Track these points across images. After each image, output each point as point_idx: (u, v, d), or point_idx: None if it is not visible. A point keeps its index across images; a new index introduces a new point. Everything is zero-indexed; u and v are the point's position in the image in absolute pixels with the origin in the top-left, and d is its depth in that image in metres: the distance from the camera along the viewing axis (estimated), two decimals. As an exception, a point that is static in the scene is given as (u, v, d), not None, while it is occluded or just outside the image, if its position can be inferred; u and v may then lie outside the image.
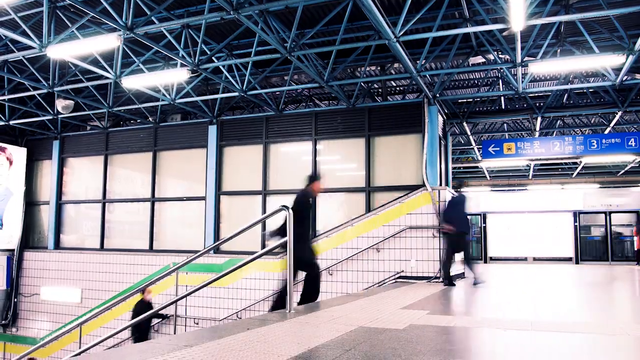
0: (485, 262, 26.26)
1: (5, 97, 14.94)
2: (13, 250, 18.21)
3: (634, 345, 5.21)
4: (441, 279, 11.81)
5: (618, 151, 16.20)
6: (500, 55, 12.45)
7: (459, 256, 13.53)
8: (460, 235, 11.42)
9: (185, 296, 7.79)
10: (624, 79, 12.51)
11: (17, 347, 17.51)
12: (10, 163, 18.29)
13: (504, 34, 11.20)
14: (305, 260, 7.84)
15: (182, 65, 12.19)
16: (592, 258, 26.08)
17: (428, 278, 12.17)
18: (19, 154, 18.66)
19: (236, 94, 13.93)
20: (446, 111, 15.82)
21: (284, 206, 6.64)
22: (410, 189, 12.95)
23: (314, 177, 8.94)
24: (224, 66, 13.08)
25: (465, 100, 16.81)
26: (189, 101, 14.78)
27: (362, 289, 12.46)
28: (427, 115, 13.18)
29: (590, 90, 15.46)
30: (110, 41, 9.97)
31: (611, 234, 26.02)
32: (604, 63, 11.57)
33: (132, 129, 17.47)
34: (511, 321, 6.49)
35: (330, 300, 8.83)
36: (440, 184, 13.43)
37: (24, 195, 18.71)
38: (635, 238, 22.88)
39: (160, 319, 14.48)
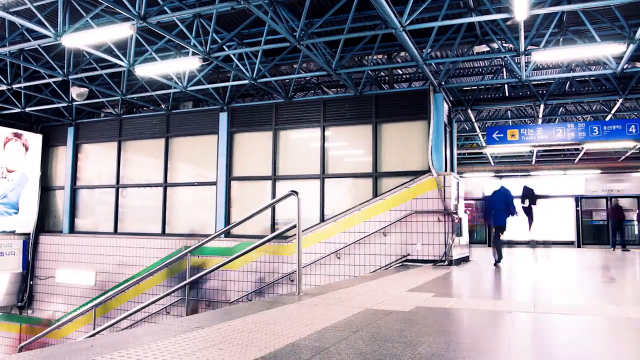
0: (489, 245, 26.44)
1: (22, 85, 15.13)
2: (29, 234, 18.48)
3: (633, 327, 5.32)
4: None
5: (619, 137, 16.31)
6: (504, 44, 12.57)
7: (463, 240, 13.81)
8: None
9: (196, 279, 8.06)
10: (625, 67, 12.61)
11: (32, 328, 17.80)
12: (26, 149, 18.54)
13: (508, 23, 11.34)
14: None
15: (193, 53, 12.36)
16: (594, 242, 26.23)
17: (434, 261, 12.40)
18: (34, 140, 18.90)
19: (246, 81, 14.09)
20: (451, 98, 15.94)
21: (293, 191, 6.86)
22: (416, 174, 13.14)
23: None
24: (234, 55, 13.23)
25: (470, 88, 16.94)
26: (200, 89, 14.96)
27: (369, 272, 12.63)
28: (432, 102, 13.32)
29: (592, 78, 15.53)
30: (123, 30, 10.12)
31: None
32: (605, 52, 11.68)
33: (145, 115, 17.67)
34: (515, 303, 6.61)
35: (339, 283, 9.04)
36: (446, 170, 13.59)
37: (39, 180, 18.94)
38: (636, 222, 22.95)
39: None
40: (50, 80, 14.91)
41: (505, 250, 13.68)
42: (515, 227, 27.32)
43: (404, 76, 16.34)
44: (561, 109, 19.50)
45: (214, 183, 15.77)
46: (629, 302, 7.62)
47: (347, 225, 13.35)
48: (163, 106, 17.06)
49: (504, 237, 13.45)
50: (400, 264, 12.58)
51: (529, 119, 20.30)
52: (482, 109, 18.93)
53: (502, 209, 12.98)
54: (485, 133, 19.68)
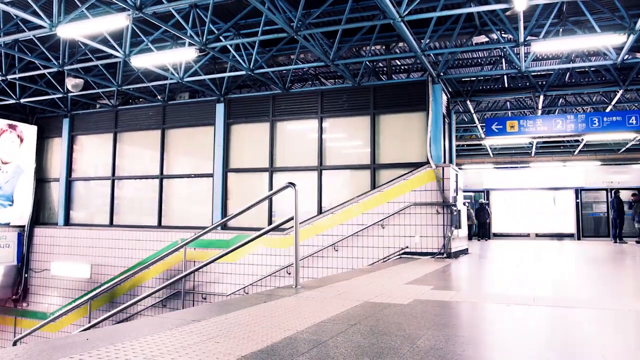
0: (489, 238, 26.47)
1: (16, 76, 15.03)
2: (24, 226, 18.43)
3: (634, 321, 5.31)
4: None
5: (619, 129, 16.29)
6: (503, 35, 12.52)
7: (462, 232, 13.77)
8: None
9: (193, 272, 7.99)
10: (625, 57, 12.58)
11: (27, 321, 17.75)
12: (21, 141, 18.47)
13: (507, 13, 11.28)
14: None
15: (190, 44, 12.31)
16: (594, 235, 26.23)
17: (432, 254, 12.35)
18: (29, 131, 18.82)
19: (243, 72, 14.05)
20: (450, 90, 15.89)
21: (290, 183, 6.80)
22: (415, 166, 13.09)
23: None
24: (231, 45, 13.16)
25: (468, 79, 16.90)
26: (197, 80, 14.93)
27: (367, 265, 12.59)
28: (431, 93, 13.27)
29: (592, 69, 15.53)
30: (119, 21, 10.05)
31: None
32: (605, 42, 11.60)
33: (141, 107, 17.60)
34: (514, 296, 6.57)
35: (336, 276, 9.00)
36: (444, 162, 13.54)
37: (34, 172, 18.88)
38: None
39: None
40: (46, 71, 14.84)
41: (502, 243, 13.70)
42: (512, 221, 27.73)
43: (402, 67, 16.29)
44: (561, 100, 19.49)
45: (211, 175, 15.71)
46: (630, 295, 7.58)
47: (344, 217, 13.31)
48: (159, 97, 17.02)
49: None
50: (398, 256, 12.54)
51: (529, 110, 20.29)
52: (481, 100, 18.92)
53: None
54: (484, 124, 19.66)
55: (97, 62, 13.89)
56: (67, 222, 18.26)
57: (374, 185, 13.61)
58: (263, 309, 5.21)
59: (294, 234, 6.69)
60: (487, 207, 25.22)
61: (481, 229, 24.29)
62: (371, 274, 8.90)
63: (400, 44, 13.69)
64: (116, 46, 12.25)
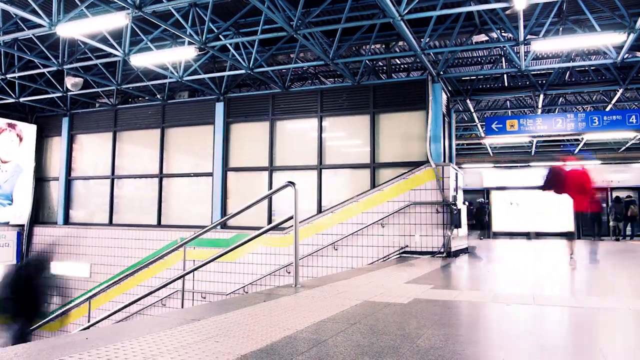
0: (489, 237, 26.47)
1: (16, 75, 15.02)
2: (23, 225, 18.41)
3: (634, 320, 5.30)
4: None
5: (619, 128, 16.27)
6: (503, 34, 12.51)
7: (462, 231, 13.75)
8: None
9: (192, 271, 7.97)
10: (625, 56, 12.57)
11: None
12: (21, 140, 18.45)
13: (507, 12, 11.28)
14: None
15: (189, 43, 12.28)
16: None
17: (432, 253, 12.33)
18: (28, 130, 18.81)
19: (243, 71, 14.03)
20: (450, 88, 15.88)
21: (290, 182, 6.78)
22: (415, 165, 13.06)
23: None
24: (230, 44, 13.13)
25: (468, 78, 16.86)
26: (196, 79, 14.91)
27: (367, 264, 12.57)
28: (431, 92, 13.24)
29: (592, 67, 15.51)
30: (118, 19, 10.05)
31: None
32: (605, 41, 11.62)
33: (141, 106, 17.59)
34: (514, 295, 6.55)
35: (336, 275, 8.99)
36: (444, 161, 13.52)
37: (33, 171, 18.87)
38: None
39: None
40: (45, 70, 14.83)
41: (502, 242, 13.65)
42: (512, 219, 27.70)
43: (402, 66, 16.27)
44: (561, 99, 19.47)
45: (210, 174, 15.68)
46: (629, 294, 7.57)
47: (344, 216, 13.28)
48: (159, 96, 17.01)
49: None
50: (398, 255, 12.52)
51: (529, 109, 20.28)
52: (481, 99, 18.90)
53: None
54: (484, 123, 19.65)
55: (96, 61, 13.89)
56: (67, 221, 18.24)
57: (373, 185, 13.59)
58: (262, 308, 5.19)
59: (293, 233, 6.66)
60: (485, 206, 25.22)
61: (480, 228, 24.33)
62: (371, 273, 8.88)
63: (400, 43, 13.67)
64: (116, 45, 12.23)
